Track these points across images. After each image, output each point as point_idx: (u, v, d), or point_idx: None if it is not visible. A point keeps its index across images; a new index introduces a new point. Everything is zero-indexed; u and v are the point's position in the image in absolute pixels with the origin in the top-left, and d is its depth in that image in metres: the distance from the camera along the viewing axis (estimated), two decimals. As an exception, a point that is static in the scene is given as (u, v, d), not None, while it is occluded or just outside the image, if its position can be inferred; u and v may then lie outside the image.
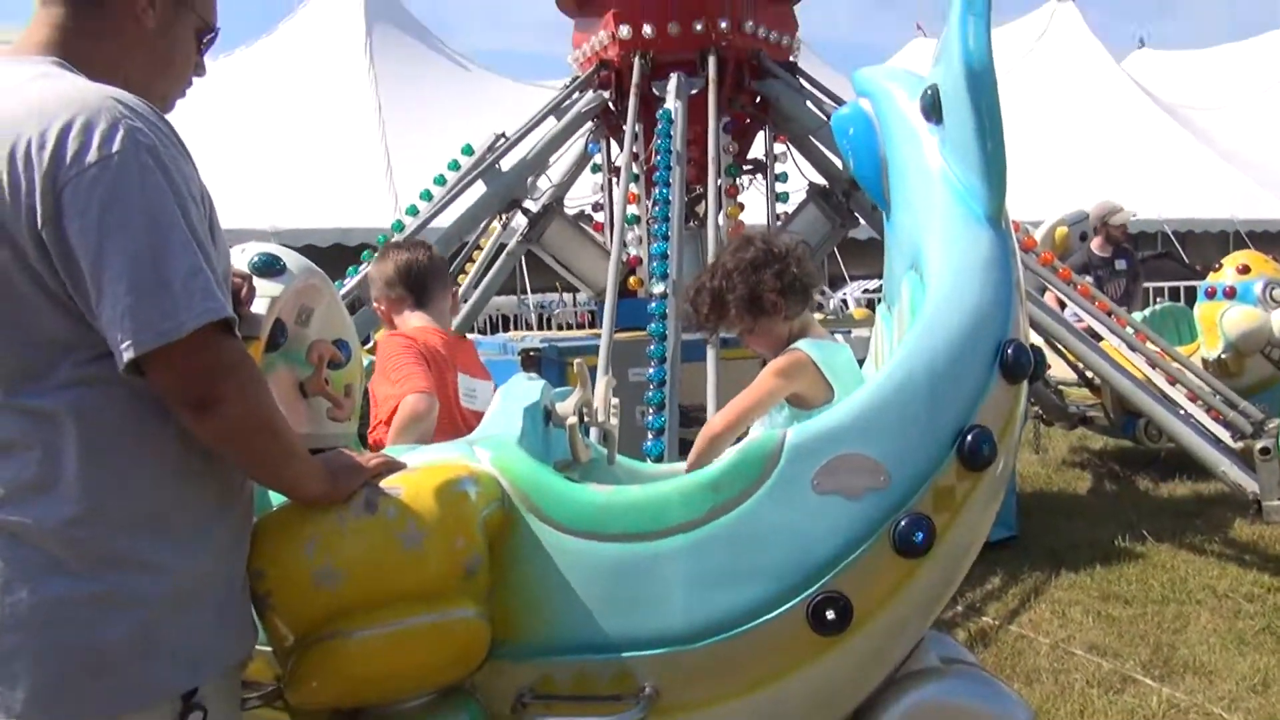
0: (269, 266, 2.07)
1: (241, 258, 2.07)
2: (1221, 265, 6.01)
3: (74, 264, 1.20)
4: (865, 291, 14.12)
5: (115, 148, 1.20)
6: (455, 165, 5.41)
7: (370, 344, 6.80)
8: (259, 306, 1.94)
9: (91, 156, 1.19)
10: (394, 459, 1.61)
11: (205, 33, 1.48)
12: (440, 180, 5.36)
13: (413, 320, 2.72)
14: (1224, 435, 4.21)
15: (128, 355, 1.19)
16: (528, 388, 2.07)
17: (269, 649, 1.53)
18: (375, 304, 2.86)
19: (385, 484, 1.53)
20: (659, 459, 3.30)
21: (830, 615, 1.59)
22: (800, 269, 2.27)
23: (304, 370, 2.24)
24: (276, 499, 1.54)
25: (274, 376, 2.13)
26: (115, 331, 1.20)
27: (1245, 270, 5.77)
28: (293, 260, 2.16)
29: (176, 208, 1.23)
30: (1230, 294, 5.69)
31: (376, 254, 2.83)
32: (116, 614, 1.23)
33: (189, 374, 1.23)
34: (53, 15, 1.35)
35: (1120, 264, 7.32)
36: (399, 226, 5.19)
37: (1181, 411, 4.36)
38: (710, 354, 3.71)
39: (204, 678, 1.32)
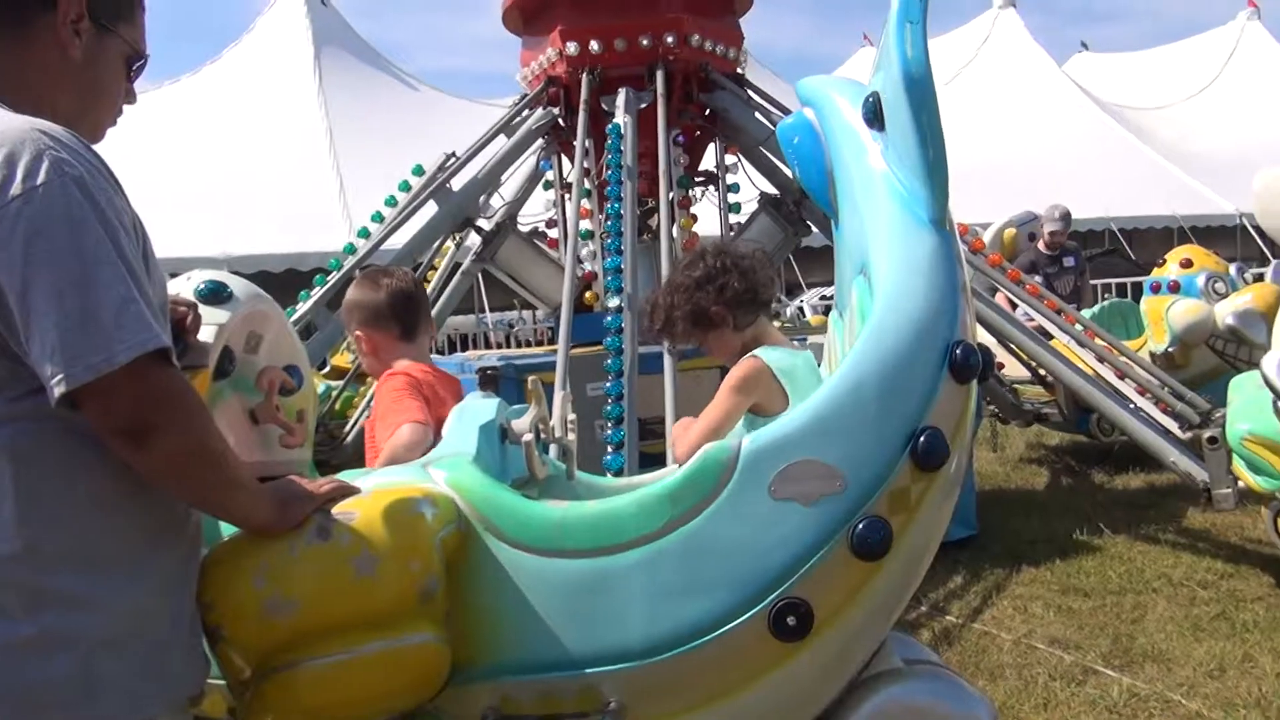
0: (215, 294, 2.05)
1: (187, 286, 2.05)
2: (1165, 261, 6.16)
3: (1, 300, 1.18)
4: (822, 298, 14.23)
5: (40, 179, 1.18)
6: (406, 186, 5.39)
7: (326, 368, 6.72)
8: (206, 335, 1.92)
9: (15, 189, 1.17)
10: (346, 484, 1.59)
11: (135, 60, 1.46)
12: (391, 201, 5.34)
13: (403, 361, 2.50)
14: (1173, 426, 4.29)
15: (59, 390, 1.17)
16: (482, 406, 2.05)
17: (224, 682, 1.51)
18: (355, 335, 2.62)
19: (338, 509, 1.52)
20: (619, 473, 3.29)
21: (791, 621, 1.60)
22: (745, 281, 2.29)
23: (254, 397, 2.22)
24: (228, 529, 1.52)
25: (223, 405, 2.10)
26: (46, 366, 1.17)
27: (1188, 264, 5.92)
28: (239, 287, 2.14)
29: (106, 238, 1.21)
30: (1174, 288, 5.84)
31: (358, 280, 2.63)
32: (53, 655, 1.21)
33: (122, 406, 1.21)
34: None
35: (1068, 261, 7.48)
36: (351, 249, 5.16)
37: (1131, 405, 4.44)
38: (668, 366, 3.71)
39: (150, 714, 1.29)
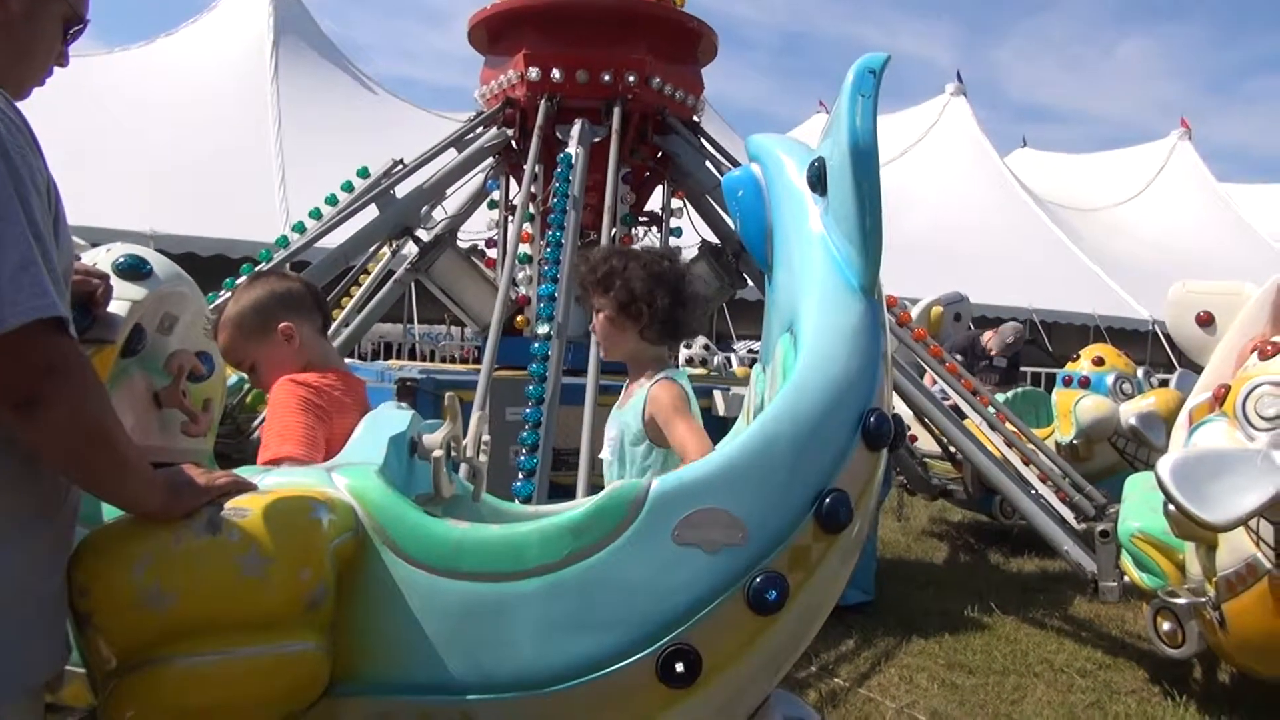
0: (134, 269, 2.00)
1: (106, 257, 1.99)
2: (1079, 356, 6.38)
3: None
4: (750, 351, 14.38)
5: None
6: (349, 186, 5.32)
7: (242, 360, 6.49)
8: (118, 309, 1.86)
9: None
10: (244, 479, 1.54)
11: (73, 23, 1.43)
12: (332, 200, 5.27)
13: (308, 375, 2.14)
14: (1069, 516, 4.42)
15: None
16: (395, 416, 2.02)
17: (83, 671, 1.44)
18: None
19: (233, 505, 1.47)
20: (527, 501, 3.27)
21: (680, 668, 1.59)
22: (681, 312, 2.43)
23: (161, 380, 2.15)
24: (111, 511, 1.46)
25: (127, 383, 2.04)
26: None
27: (1100, 363, 6.15)
28: (161, 265, 2.09)
29: (15, 196, 1.17)
30: (1085, 383, 6.05)
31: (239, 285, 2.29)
32: None
33: (10, 372, 1.16)
34: None
35: (999, 362, 7.78)
36: (284, 242, 5.07)
37: (1033, 491, 4.57)
38: (588, 399, 3.71)
39: None
